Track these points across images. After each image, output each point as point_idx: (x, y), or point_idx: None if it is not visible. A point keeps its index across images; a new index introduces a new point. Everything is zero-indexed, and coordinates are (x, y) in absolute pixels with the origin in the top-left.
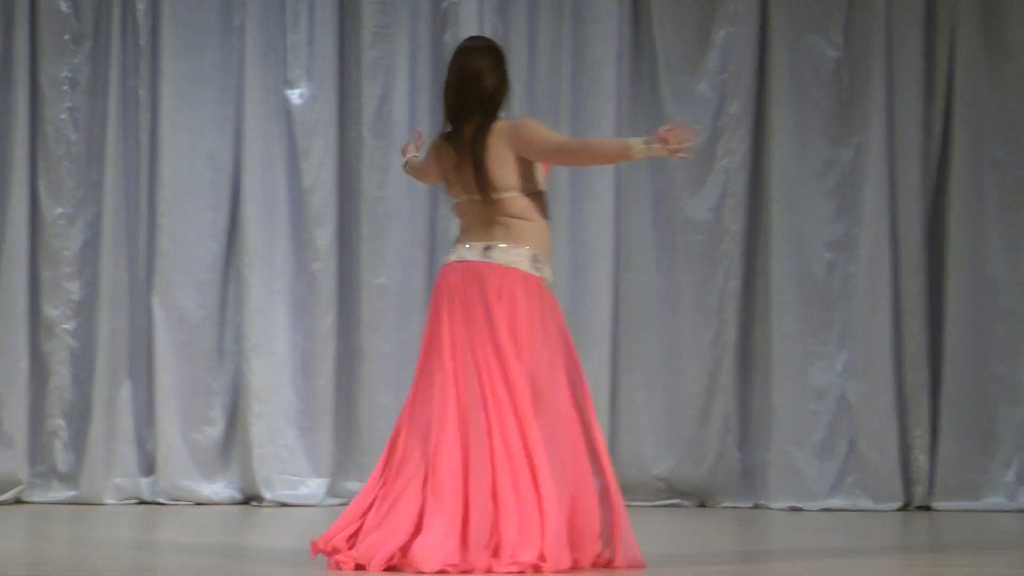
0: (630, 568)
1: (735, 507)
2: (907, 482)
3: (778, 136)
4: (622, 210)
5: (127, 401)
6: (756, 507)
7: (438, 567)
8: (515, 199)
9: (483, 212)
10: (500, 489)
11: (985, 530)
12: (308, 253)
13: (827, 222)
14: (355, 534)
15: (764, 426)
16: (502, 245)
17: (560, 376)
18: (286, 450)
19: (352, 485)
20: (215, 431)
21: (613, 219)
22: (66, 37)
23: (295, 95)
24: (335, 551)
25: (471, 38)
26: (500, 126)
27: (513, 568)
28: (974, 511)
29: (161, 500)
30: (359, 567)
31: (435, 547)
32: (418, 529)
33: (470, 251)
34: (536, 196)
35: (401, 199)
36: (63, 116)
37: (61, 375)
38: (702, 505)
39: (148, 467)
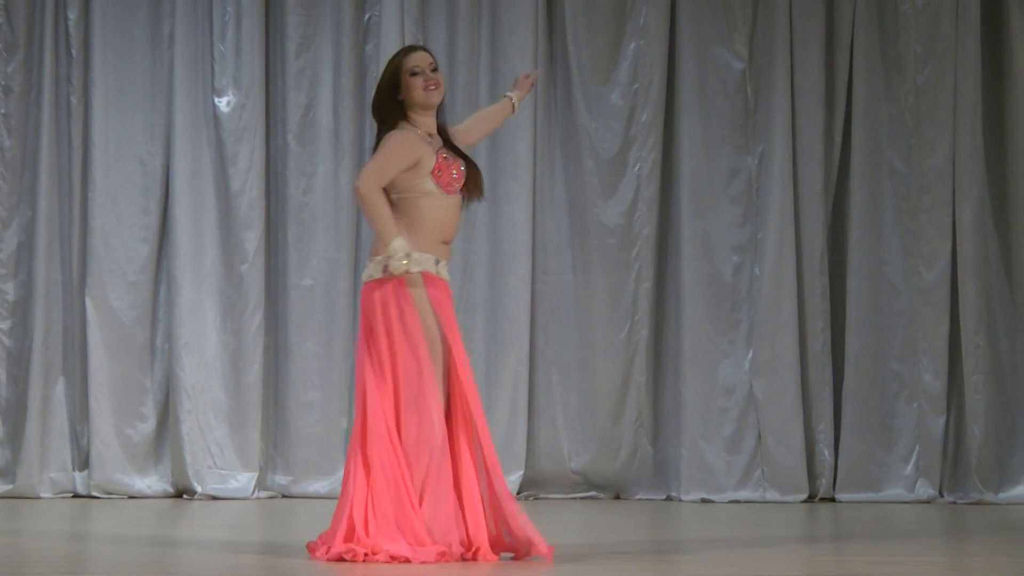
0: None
1: (648, 499)
2: (812, 475)
3: (687, 144)
4: (538, 215)
5: (61, 398)
6: (668, 499)
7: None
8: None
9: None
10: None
11: (886, 520)
12: (236, 255)
13: (734, 226)
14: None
15: (675, 422)
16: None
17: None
18: (216, 445)
19: (280, 479)
20: (147, 427)
21: (530, 223)
22: None
23: (223, 103)
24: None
25: None
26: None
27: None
28: (875, 502)
29: (95, 494)
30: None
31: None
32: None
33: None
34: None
35: (326, 204)
36: None
37: None
38: (617, 497)
39: (82, 462)
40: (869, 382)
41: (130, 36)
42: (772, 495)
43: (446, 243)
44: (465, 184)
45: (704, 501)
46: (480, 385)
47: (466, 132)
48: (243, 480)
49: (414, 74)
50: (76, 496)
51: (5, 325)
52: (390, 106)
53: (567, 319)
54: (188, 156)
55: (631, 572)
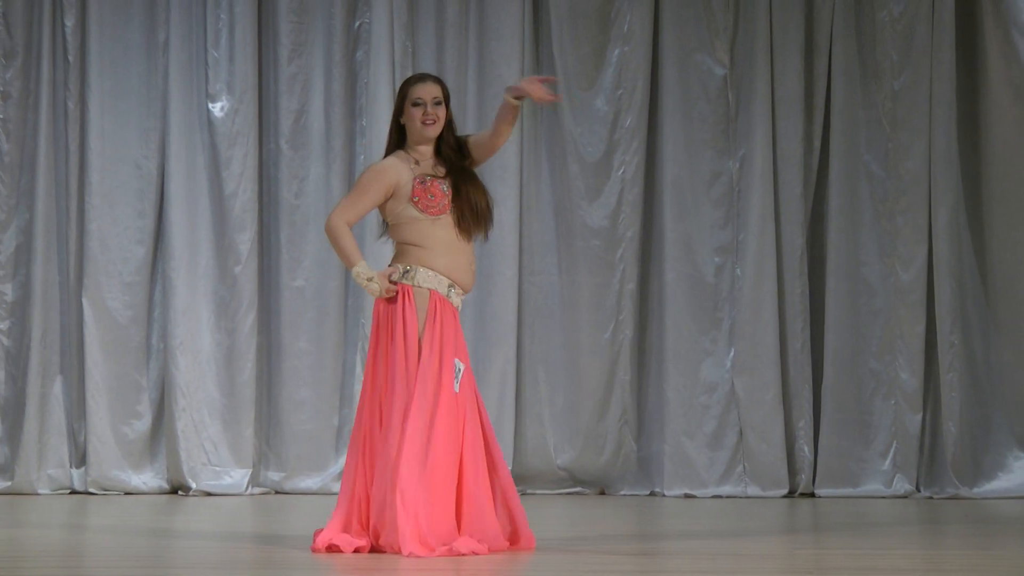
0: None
1: (632, 495)
2: (792, 471)
3: (669, 148)
4: (525, 217)
5: (59, 396)
6: (652, 494)
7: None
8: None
9: None
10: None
11: (864, 514)
12: (230, 256)
13: (716, 229)
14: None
15: (659, 419)
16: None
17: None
18: (210, 442)
19: (273, 475)
20: (143, 424)
21: (516, 225)
22: None
23: (216, 108)
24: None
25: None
26: None
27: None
28: (854, 497)
29: (92, 490)
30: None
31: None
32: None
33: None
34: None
35: (317, 206)
36: None
37: None
38: (602, 493)
39: (79, 459)
40: (847, 380)
41: (126, 42)
42: (753, 490)
43: (463, 266)
44: (457, 208)
45: (687, 496)
46: None
47: (488, 139)
48: (237, 476)
49: (415, 104)
50: (73, 492)
51: (4, 325)
52: (394, 128)
53: (553, 319)
54: (183, 160)
55: (616, 565)
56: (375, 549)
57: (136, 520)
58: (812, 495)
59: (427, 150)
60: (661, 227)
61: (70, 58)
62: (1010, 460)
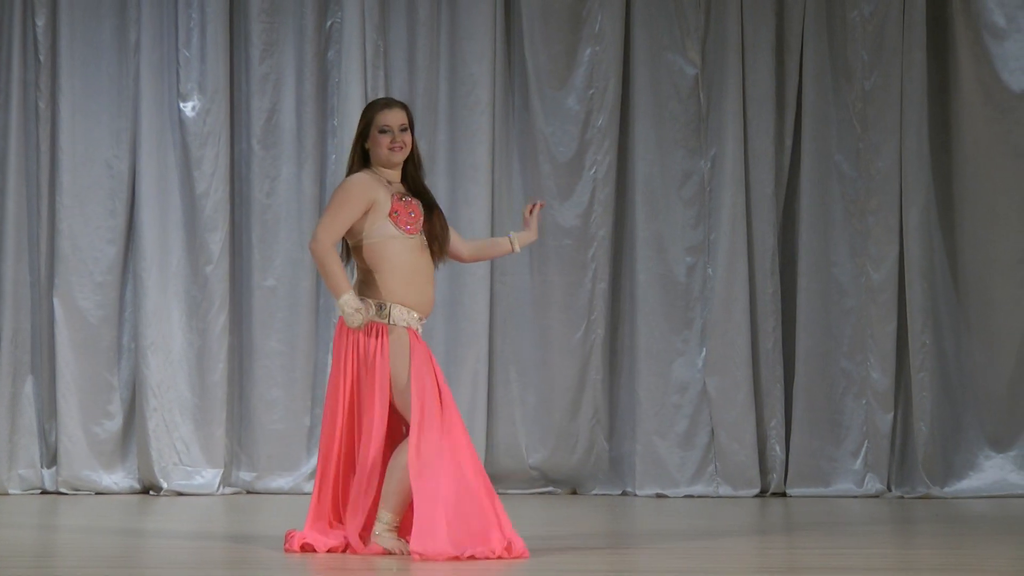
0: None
1: (604, 494)
2: (763, 470)
3: (641, 148)
4: (496, 217)
5: (30, 396)
6: (624, 494)
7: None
8: None
9: None
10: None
11: (835, 514)
12: (201, 256)
13: (687, 228)
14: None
15: (630, 418)
16: None
17: None
18: (182, 442)
19: (244, 475)
20: (114, 424)
21: (488, 225)
22: None
23: (188, 107)
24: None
25: None
26: None
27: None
28: (825, 496)
29: (63, 490)
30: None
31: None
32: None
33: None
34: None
35: (289, 206)
36: None
37: None
38: (574, 492)
39: (50, 459)
40: (819, 379)
41: (97, 42)
42: (725, 490)
43: (428, 295)
44: (428, 231)
45: (659, 496)
46: None
47: (459, 243)
48: (208, 476)
49: (382, 131)
50: (44, 492)
51: None
52: (357, 150)
53: (525, 318)
54: (154, 159)
55: (588, 565)
56: (348, 549)
57: (107, 520)
58: (784, 495)
59: (394, 174)
60: (633, 226)
61: (41, 58)
62: (981, 459)
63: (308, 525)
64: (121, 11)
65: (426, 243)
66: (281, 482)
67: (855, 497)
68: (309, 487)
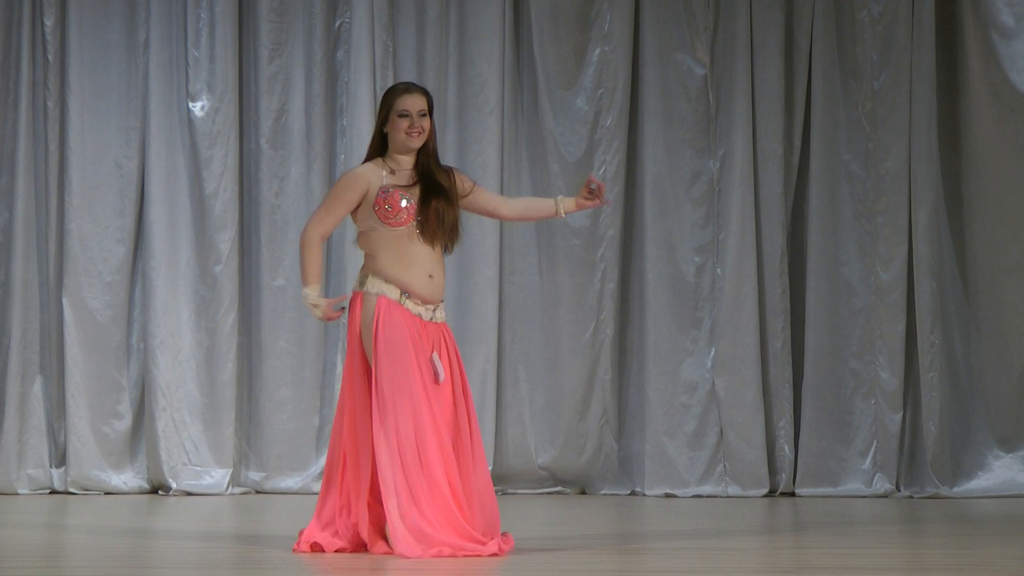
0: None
1: (613, 494)
2: (772, 470)
3: (650, 148)
4: None
5: (39, 396)
6: (632, 494)
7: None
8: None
9: None
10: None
11: (844, 514)
12: (210, 256)
13: (696, 228)
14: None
15: (639, 418)
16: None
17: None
18: (191, 442)
19: (253, 475)
20: (123, 424)
21: (497, 225)
22: None
23: (197, 107)
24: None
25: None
26: None
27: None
28: (834, 496)
29: (72, 490)
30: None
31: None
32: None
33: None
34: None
35: (298, 206)
36: None
37: None
38: (582, 492)
39: (59, 459)
40: (828, 379)
41: (106, 42)
42: (734, 490)
43: (431, 277)
44: (423, 221)
45: (667, 496)
46: None
47: (497, 202)
48: (217, 476)
49: (402, 116)
50: (53, 492)
51: None
52: (377, 136)
53: (534, 318)
54: (163, 159)
55: (597, 564)
56: (357, 549)
57: (116, 520)
58: (792, 494)
59: (407, 160)
60: (641, 227)
61: (49, 57)
62: (990, 459)
63: (316, 524)
64: (130, 11)
65: (413, 233)
66: (290, 482)
67: (864, 497)
68: (318, 487)
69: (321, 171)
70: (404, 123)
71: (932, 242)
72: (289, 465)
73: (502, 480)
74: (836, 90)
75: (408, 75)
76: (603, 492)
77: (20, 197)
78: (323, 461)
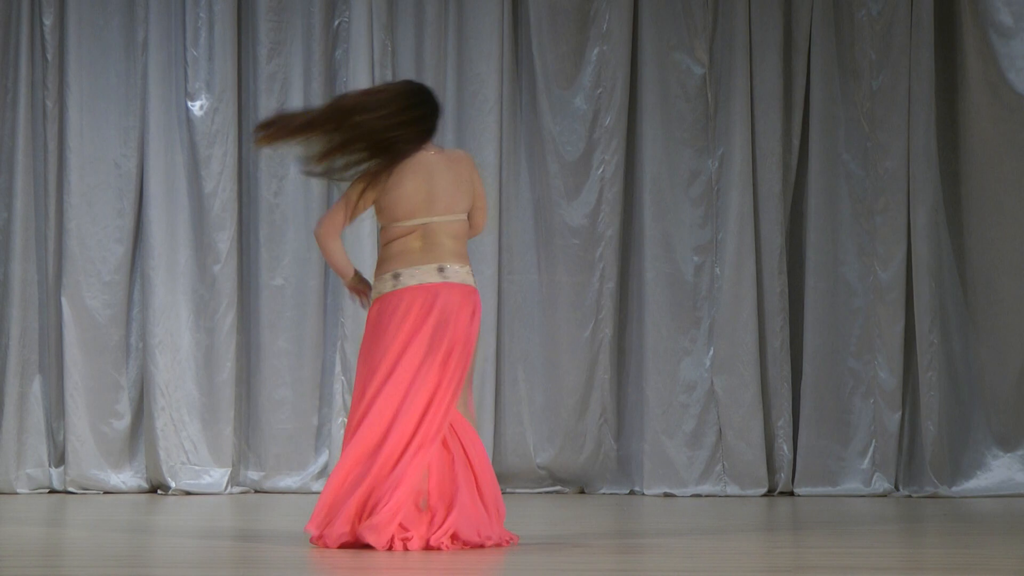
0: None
1: (612, 493)
2: (771, 469)
3: (648, 147)
4: (504, 216)
5: (38, 395)
6: (631, 493)
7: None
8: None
9: None
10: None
11: (843, 513)
12: (209, 255)
13: (695, 227)
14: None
15: (638, 418)
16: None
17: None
18: (190, 441)
19: (252, 474)
20: (122, 424)
21: (496, 225)
22: None
23: (196, 107)
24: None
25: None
26: None
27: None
28: (833, 496)
29: (71, 489)
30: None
31: None
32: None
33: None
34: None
35: (297, 205)
36: None
37: None
38: (581, 492)
39: (58, 458)
40: (826, 379)
41: (104, 41)
42: (732, 489)
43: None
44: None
45: (666, 495)
46: None
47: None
48: (216, 476)
49: None
50: (52, 491)
51: None
52: None
53: (532, 318)
54: (162, 159)
55: (596, 564)
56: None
57: (115, 519)
58: (791, 494)
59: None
60: (640, 226)
61: (48, 57)
62: (989, 459)
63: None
64: (129, 10)
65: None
66: (289, 481)
67: (863, 496)
68: (317, 487)
69: None
70: None
71: (931, 241)
72: (288, 464)
73: (501, 480)
74: (835, 90)
75: (407, 74)
76: (602, 491)
77: (19, 196)
78: (322, 460)
